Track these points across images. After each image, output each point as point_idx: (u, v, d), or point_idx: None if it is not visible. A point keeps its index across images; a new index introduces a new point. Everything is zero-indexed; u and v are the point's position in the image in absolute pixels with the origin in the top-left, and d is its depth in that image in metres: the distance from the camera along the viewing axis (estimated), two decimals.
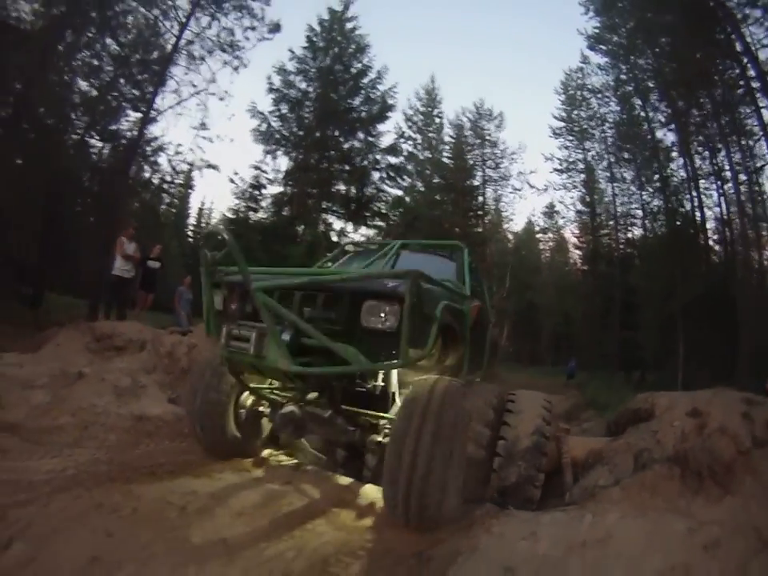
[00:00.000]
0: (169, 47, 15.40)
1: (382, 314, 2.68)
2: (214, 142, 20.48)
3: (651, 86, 18.85)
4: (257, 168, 18.63)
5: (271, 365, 2.62)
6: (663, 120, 18.67)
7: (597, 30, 20.17)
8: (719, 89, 15.03)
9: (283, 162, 19.58)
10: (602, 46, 20.52)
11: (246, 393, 3.52)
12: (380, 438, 2.99)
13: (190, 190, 28.41)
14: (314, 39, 19.84)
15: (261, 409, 3.59)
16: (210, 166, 16.22)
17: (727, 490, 2.69)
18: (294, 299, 2.84)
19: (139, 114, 15.21)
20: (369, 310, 2.72)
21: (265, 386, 3.51)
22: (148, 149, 15.64)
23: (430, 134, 28.17)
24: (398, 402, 3.07)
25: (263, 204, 18.78)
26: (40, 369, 5.26)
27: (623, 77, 20.36)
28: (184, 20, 15.43)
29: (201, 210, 40.85)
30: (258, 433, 3.73)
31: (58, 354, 6.21)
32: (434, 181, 26.34)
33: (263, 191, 18.75)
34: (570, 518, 2.62)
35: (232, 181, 18.21)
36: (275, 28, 16.99)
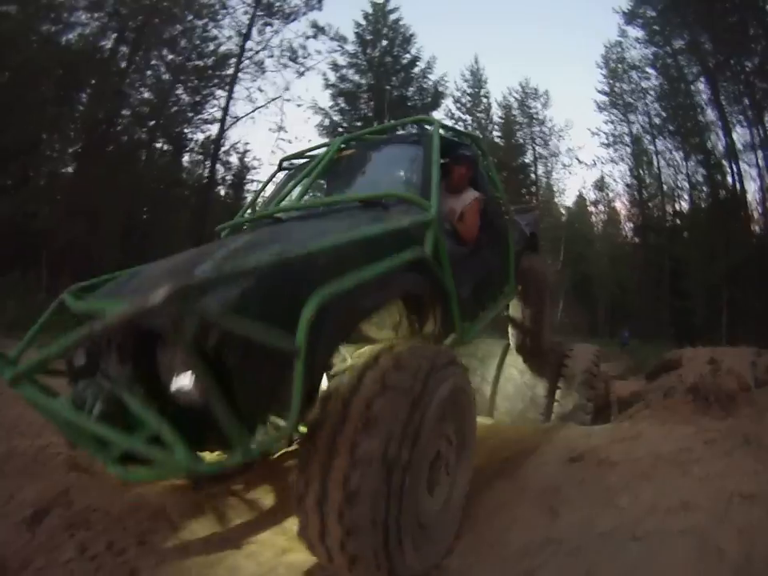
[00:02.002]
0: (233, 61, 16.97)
1: (180, 371, 1.50)
2: (293, 143, 22.27)
3: (689, 56, 19.02)
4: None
5: None
6: (703, 93, 18.88)
7: (630, 5, 20.35)
8: (756, 57, 15.27)
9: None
10: (638, 19, 20.69)
11: None
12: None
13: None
14: (361, 33, 21.03)
15: None
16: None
17: (729, 413, 3.87)
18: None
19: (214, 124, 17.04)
20: (164, 365, 1.54)
21: None
22: (229, 156, 17.29)
23: (479, 115, 28.82)
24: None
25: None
26: None
27: (661, 48, 20.50)
28: (244, 31, 16.94)
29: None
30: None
31: None
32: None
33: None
34: (613, 426, 3.88)
35: (281, 163, 19.79)
36: (341, 39, 18.46)
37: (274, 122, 20.75)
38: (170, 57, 16.40)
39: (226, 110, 15.90)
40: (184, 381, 1.47)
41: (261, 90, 17.15)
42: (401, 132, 4.27)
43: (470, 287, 2.75)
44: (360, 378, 1.68)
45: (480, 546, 1.98)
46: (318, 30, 17.90)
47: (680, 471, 2.63)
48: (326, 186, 3.23)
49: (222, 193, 18.37)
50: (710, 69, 17.53)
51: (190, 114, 17.09)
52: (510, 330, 4.63)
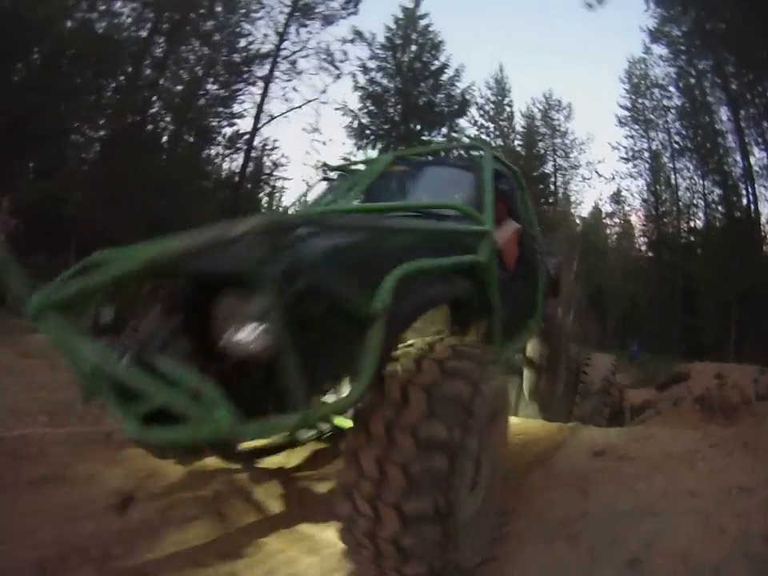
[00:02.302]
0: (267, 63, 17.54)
1: (245, 321, 1.32)
2: (326, 144, 22.71)
3: (712, 78, 19.33)
4: (346, 160, 20.73)
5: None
6: (723, 114, 19.24)
7: (656, 24, 20.61)
8: None
9: (372, 155, 21.62)
10: (663, 38, 20.98)
11: None
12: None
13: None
14: (392, 38, 21.56)
15: None
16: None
17: (732, 422, 4.36)
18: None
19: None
20: (221, 314, 1.37)
21: None
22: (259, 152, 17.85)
23: (502, 123, 29.21)
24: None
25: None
26: None
27: (684, 68, 20.78)
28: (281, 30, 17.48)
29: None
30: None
31: None
32: None
33: None
34: (628, 429, 4.36)
35: (325, 172, 20.38)
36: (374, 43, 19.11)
37: (308, 123, 21.30)
38: (203, 50, 16.86)
39: (260, 107, 16.44)
40: (246, 333, 1.31)
41: (295, 90, 17.63)
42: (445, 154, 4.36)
43: (505, 311, 2.54)
44: (419, 364, 1.59)
45: (528, 517, 2.43)
46: (357, 35, 18.66)
47: (688, 466, 3.09)
48: (364, 200, 3.00)
49: (248, 187, 18.93)
50: (732, 91, 17.88)
51: (220, 109, 17.61)
52: (525, 373, 4.50)
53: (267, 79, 16.79)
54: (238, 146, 18.41)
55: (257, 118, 16.57)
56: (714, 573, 1.79)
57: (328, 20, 17.78)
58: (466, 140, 21.26)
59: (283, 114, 17.42)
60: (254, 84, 17.68)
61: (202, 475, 2.61)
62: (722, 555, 1.93)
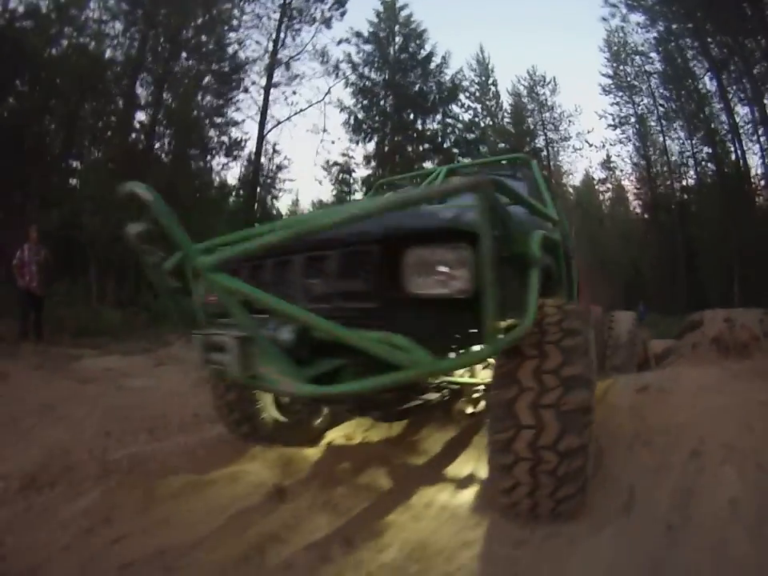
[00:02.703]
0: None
1: (443, 269, 1.57)
2: (335, 143, 23.09)
3: (691, 41, 19.76)
4: (344, 155, 21.39)
5: (272, 386, 1.69)
6: (705, 74, 19.72)
7: None
8: (755, 36, 16.12)
9: (370, 147, 22.15)
10: (639, 6, 21.34)
11: None
12: (471, 409, 2.55)
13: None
14: (376, 31, 22.01)
15: None
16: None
17: (744, 357, 5.00)
18: (290, 272, 1.86)
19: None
20: (417, 265, 1.59)
21: None
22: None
23: (488, 102, 29.66)
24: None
25: (355, 187, 21.62)
26: None
27: (663, 34, 21.17)
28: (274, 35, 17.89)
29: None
30: (314, 414, 3.17)
31: None
32: (499, 146, 27.86)
33: (353, 175, 21.57)
34: (659, 372, 5.02)
35: (325, 168, 21.02)
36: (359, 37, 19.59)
37: (313, 124, 21.93)
38: (194, 63, 17.19)
39: (264, 113, 16.87)
40: (452, 277, 1.53)
41: (295, 93, 18.16)
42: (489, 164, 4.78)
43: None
44: (541, 326, 1.79)
45: (607, 437, 2.97)
46: (357, 35, 19.41)
47: (717, 392, 3.73)
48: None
49: (258, 192, 19.48)
50: (711, 52, 18.41)
51: (218, 119, 18.03)
52: None
53: (268, 86, 17.23)
54: (239, 153, 18.91)
55: (261, 125, 17.01)
56: (753, 453, 2.42)
57: (326, 23, 18.24)
58: (460, 126, 21.90)
59: (288, 118, 17.93)
60: (246, 91, 18.08)
61: (316, 464, 2.79)
62: (755, 444, 2.58)
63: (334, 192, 22.28)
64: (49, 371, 5.37)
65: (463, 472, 2.53)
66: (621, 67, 26.24)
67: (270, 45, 17.41)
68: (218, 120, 18.18)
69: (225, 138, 17.93)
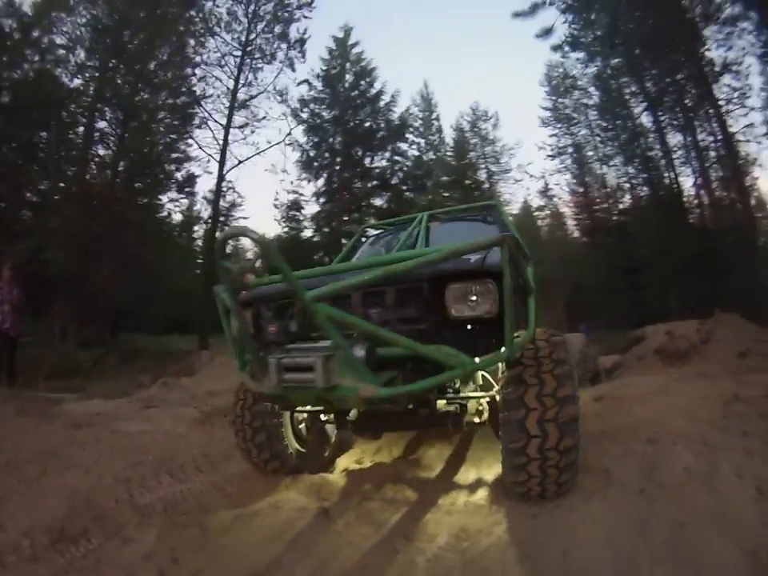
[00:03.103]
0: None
1: (473, 298, 2.15)
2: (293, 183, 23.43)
3: (627, 75, 21.47)
4: (294, 192, 21.81)
5: (349, 394, 2.06)
6: (640, 105, 21.43)
7: (573, 32, 22.44)
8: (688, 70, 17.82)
9: (320, 184, 22.63)
10: (579, 44, 22.91)
11: None
12: (478, 419, 2.86)
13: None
14: (327, 69, 22.81)
15: (322, 417, 3.19)
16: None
17: (685, 363, 5.67)
18: (352, 303, 2.28)
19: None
20: (456, 296, 2.17)
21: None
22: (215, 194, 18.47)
23: (431, 137, 30.92)
24: (482, 378, 2.95)
25: (304, 224, 21.99)
26: None
27: (600, 69, 22.79)
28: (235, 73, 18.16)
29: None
30: (323, 444, 3.41)
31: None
32: (442, 179, 28.85)
33: (302, 211, 21.97)
34: (610, 383, 5.61)
35: (276, 206, 21.32)
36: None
37: (271, 164, 22.20)
38: (153, 95, 17.04)
39: (224, 152, 17.06)
40: (480, 304, 2.10)
41: (253, 132, 18.43)
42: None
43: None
44: (536, 358, 2.30)
45: None
46: (317, 77, 20.20)
47: (664, 393, 4.33)
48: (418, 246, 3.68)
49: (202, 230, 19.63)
50: (646, 85, 20.09)
51: (174, 155, 18.09)
52: None
53: (228, 124, 17.44)
54: (191, 189, 19.06)
55: (221, 163, 17.18)
56: (699, 436, 2.96)
57: (290, 65, 18.77)
58: (408, 163, 22.88)
59: (248, 158, 18.19)
60: (200, 127, 18.22)
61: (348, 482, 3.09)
62: (700, 429, 3.12)
63: (285, 229, 22.56)
64: (33, 417, 5.14)
65: (470, 478, 2.95)
66: (560, 100, 28.00)
67: (231, 83, 17.69)
68: (175, 155, 18.18)
69: (180, 174, 18.00)
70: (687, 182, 20.63)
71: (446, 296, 2.18)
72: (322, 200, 22.17)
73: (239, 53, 17.57)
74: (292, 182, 23.34)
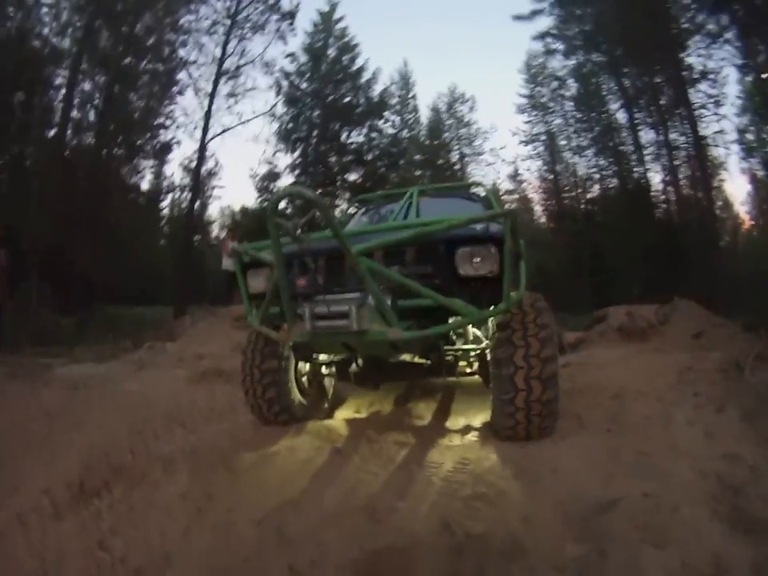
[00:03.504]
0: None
1: (479, 260, 2.51)
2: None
3: (606, 70, 21.99)
4: (270, 163, 21.76)
5: (378, 337, 2.37)
6: (616, 101, 22.07)
7: (554, 24, 22.76)
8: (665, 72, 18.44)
9: (295, 156, 22.55)
10: (561, 37, 23.24)
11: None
12: (470, 369, 3.30)
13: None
14: (311, 42, 22.67)
15: (323, 371, 3.68)
16: None
17: (644, 340, 6.23)
18: (374, 260, 2.49)
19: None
20: (465, 258, 2.53)
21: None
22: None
23: (407, 115, 30.98)
24: (473, 334, 3.41)
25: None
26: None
27: (580, 62, 23.20)
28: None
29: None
30: (322, 397, 3.80)
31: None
32: (415, 157, 29.00)
33: (277, 183, 21.92)
34: (575, 354, 6.14)
35: (251, 176, 21.25)
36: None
37: (254, 135, 21.83)
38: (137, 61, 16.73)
39: (207, 119, 16.83)
40: (483, 264, 2.47)
41: (237, 103, 18.19)
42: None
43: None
44: (524, 322, 2.69)
45: None
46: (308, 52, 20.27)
47: (625, 363, 4.86)
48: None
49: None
50: (623, 81, 20.70)
51: (156, 121, 17.79)
52: None
53: (213, 92, 17.16)
54: (166, 156, 18.83)
55: (204, 131, 16.96)
56: (655, 393, 3.46)
57: (282, 38, 18.53)
58: (385, 140, 23.00)
59: (230, 128, 17.93)
60: (181, 93, 17.91)
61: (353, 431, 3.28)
62: (647, 389, 3.63)
63: (260, 199, 22.47)
64: (27, 380, 5.08)
65: (460, 424, 3.33)
66: (537, 88, 28.31)
67: (219, 51, 17.40)
68: (157, 122, 17.88)
69: (159, 140, 17.72)
70: (656, 178, 21.42)
71: (456, 257, 2.55)
72: (296, 172, 22.14)
73: (228, 21, 17.27)
74: (267, 153, 23.12)
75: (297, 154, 22.07)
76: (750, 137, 19.89)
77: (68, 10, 14.98)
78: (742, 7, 12.37)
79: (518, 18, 19.65)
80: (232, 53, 17.52)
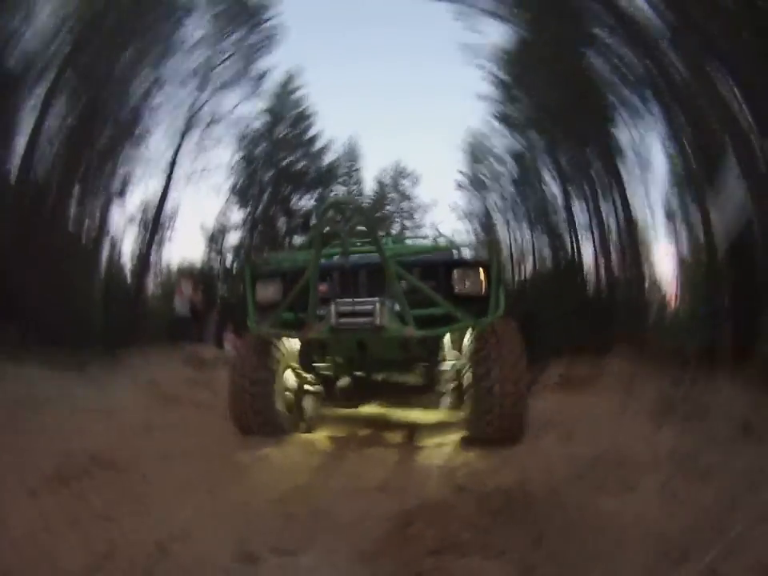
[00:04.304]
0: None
1: (470, 281, 3.08)
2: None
3: (542, 149, 23.84)
4: (221, 218, 21.88)
5: (395, 333, 2.86)
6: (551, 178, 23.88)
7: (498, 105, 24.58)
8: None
9: (245, 215, 22.76)
10: (500, 117, 25.10)
11: (288, 373, 3.76)
12: (453, 384, 3.69)
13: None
14: (270, 106, 23.46)
15: (307, 387, 3.98)
16: None
17: (584, 388, 6.79)
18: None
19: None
20: (460, 278, 3.11)
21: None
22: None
23: (353, 187, 31.96)
24: (449, 351, 3.78)
25: (225, 252, 22.01)
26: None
27: (518, 141, 25.05)
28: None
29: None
30: (301, 414, 4.00)
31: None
32: (357, 228, 29.93)
33: (225, 240, 22.00)
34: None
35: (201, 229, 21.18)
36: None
37: (214, 187, 21.68)
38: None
39: (172, 166, 16.80)
40: (473, 284, 3.07)
41: (201, 153, 18.33)
42: None
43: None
44: (496, 334, 3.18)
45: None
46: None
47: (571, 407, 5.35)
48: None
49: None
50: (559, 161, 22.48)
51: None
52: None
53: (181, 140, 17.20)
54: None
55: (167, 183, 16.88)
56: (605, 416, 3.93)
57: (249, 96, 19.05)
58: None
59: (191, 176, 17.95)
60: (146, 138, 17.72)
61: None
62: (600, 433, 4.10)
63: (207, 253, 22.33)
64: None
65: (434, 442, 3.67)
66: (476, 165, 30.06)
67: (191, 101, 17.66)
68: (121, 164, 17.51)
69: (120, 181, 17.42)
70: (587, 247, 23.13)
71: (453, 277, 3.14)
72: (245, 229, 22.35)
73: (201, 76, 17.76)
74: (220, 207, 23.26)
75: (247, 211, 22.38)
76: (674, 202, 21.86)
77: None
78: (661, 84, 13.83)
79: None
80: (202, 106, 17.92)
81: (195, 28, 17.66)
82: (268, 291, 3.44)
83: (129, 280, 17.30)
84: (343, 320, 2.85)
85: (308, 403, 4.05)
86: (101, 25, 15.21)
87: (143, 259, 17.53)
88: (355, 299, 2.92)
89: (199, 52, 18.23)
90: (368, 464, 2.96)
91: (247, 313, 3.41)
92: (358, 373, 3.96)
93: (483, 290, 3.10)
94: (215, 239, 22.27)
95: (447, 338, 3.72)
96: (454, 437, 3.60)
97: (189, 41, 17.96)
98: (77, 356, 8.37)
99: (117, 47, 16.31)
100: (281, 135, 23.02)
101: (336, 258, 3.27)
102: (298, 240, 22.94)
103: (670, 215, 19.81)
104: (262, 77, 19.14)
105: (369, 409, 4.93)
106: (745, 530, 1.80)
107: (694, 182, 13.19)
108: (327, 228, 2.87)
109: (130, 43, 16.79)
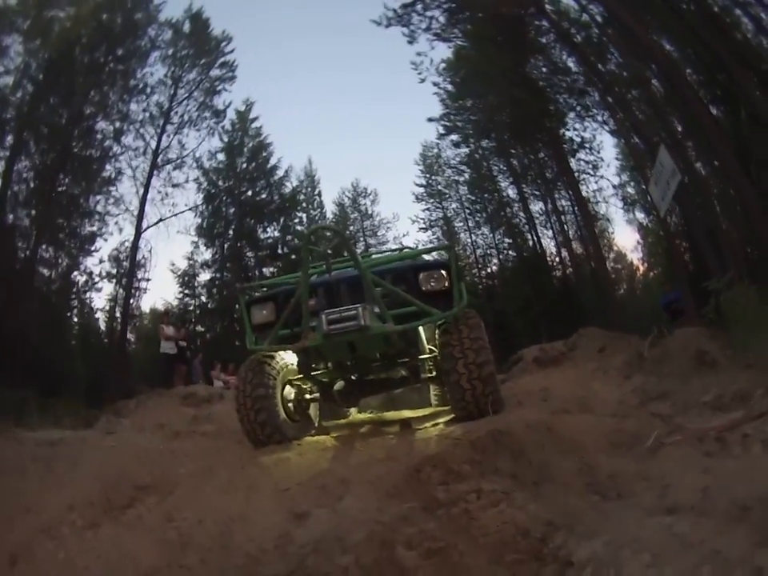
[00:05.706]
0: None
1: (435, 280, 3.64)
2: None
3: (495, 152, 24.81)
4: (189, 258, 22.19)
5: (378, 330, 3.27)
6: (506, 180, 24.92)
7: (448, 117, 25.31)
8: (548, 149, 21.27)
9: (213, 252, 23.13)
10: (453, 128, 25.87)
11: (288, 387, 4.12)
12: (430, 375, 4.17)
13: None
14: (228, 141, 23.89)
15: (307, 396, 4.32)
16: None
17: (558, 366, 7.44)
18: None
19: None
20: (426, 278, 3.65)
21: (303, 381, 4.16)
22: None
23: (313, 212, 32.39)
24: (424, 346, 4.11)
25: (198, 291, 22.28)
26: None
27: (472, 148, 25.87)
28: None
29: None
30: (309, 421, 4.39)
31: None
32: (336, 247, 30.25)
33: (197, 279, 22.33)
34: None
35: (172, 270, 21.47)
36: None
37: (184, 227, 21.91)
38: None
39: (141, 210, 17.06)
40: (437, 283, 3.61)
41: (168, 195, 18.65)
42: None
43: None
44: (459, 327, 3.56)
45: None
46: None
47: (544, 377, 5.94)
48: None
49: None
50: (512, 162, 23.53)
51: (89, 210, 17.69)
52: None
53: (147, 186, 17.42)
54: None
55: (138, 231, 17.12)
56: (570, 393, 4.50)
57: (211, 133, 19.49)
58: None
59: (161, 220, 18.29)
60: (115, 182, 18.18)
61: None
62: (575, 380, 4.69)
63: (179, 294, 22.60)
64: None
65: (428, 425, 4.13)
66: (433, 177, 30.78)
67: (154, 143, 17.98)
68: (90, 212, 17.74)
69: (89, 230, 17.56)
70: (549, 243, 24.12)
71: (420, 278, 3.68)
72: (214, 268, 22.69)
73: (163, 117, 18.12)
74: (189, 248, 23.56)
75: (215, 249, 22.74)
76: (630, 191, 23.18)
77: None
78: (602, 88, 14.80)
79: (430, 119, 22.31)
80: (166, 147, 18.29)
81: (154, 69, 18.88)
82: (262, 313, 3.90)
83: (112, 331, 17.63)
84: (333, 326, 3.23)
85: (312, 410, 4.41)
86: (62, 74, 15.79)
87: (124, 307, 17.80)
88: (341, 308, 3.33)
89: (159, 92, 19.11)
90: (375, 447, 3.36)
91: (246, 336, 3.85)
92: (353, 376, 4.23)
93: (446, 287, 3.62)
94: (187, 278, 22.79)
95: (423, 335, 4.09)
96: (446, 418, 4.11)
97: (149, 81, 18.81)
98: (79, 412, 8.83)
99: (79, 93, 17.06)
100: (240, 168, 23.60)
101: (316, 276, 3.84)
102: (267, 271, 23.64)
103: (625, 202, 20.96)
104: (221, 112, 20.48)
105: (363, 416, 5.64)
106: (683, 421, 2.47)
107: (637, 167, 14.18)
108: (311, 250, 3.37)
109: (93, 88, 17.53)
